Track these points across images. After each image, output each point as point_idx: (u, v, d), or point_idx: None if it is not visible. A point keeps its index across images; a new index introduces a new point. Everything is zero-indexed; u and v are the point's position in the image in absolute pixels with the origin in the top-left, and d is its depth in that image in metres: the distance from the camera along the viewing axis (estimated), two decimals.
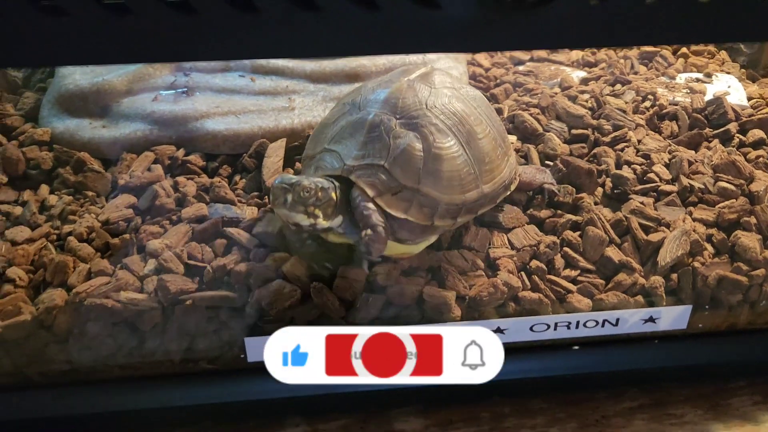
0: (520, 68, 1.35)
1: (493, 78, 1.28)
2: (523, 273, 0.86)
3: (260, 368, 0.81)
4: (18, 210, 0.97)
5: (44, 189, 1.00)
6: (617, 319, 0.84)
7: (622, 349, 0.87)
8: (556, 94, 1.21)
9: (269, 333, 0.80)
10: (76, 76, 1.11)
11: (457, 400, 0.87)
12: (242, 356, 0.81)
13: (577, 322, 0.83)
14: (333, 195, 0.79)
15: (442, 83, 0.89)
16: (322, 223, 0.79)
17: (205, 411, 0.83)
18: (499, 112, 1.15)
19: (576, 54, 1.40)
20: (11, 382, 0.81)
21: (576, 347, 0.86)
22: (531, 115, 1.13)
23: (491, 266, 0.87)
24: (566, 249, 0.89)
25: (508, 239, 0.90)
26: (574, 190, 0.97)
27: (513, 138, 1.09)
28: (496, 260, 0.87)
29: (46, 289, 0.83)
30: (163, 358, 0.81)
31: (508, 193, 0.91)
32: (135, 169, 1.00)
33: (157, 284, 0.80)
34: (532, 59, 1.40)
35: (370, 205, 0.79)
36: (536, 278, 0.85)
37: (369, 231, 0.78)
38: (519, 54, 1.40)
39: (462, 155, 0.83)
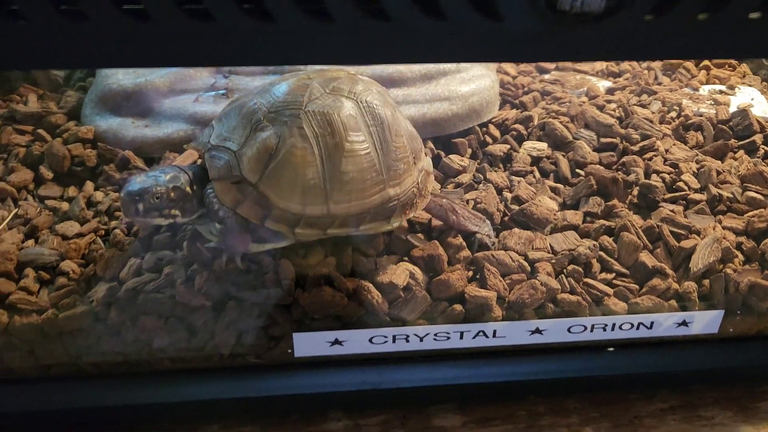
0: (546, 77, 1.38)
1: (520, 86, 1.31)
2: (562, 276, 0.88)
3: (306, 363, 0.84)
4: (65, 205, 0.99)
5: (89, 185, 1.02)
6: (652, 323, 0.86)
7: (655, 351, 0.89)
8: (583, 103, 1.24)
9: (317, 329, 0.83)
10: (119, 76, 1.14)
11: (494, 398, 0.89)
12: (289, 351, 0.83)
13: (614, 325, 0.86)
14: (187, 189, 0.80)
15: (351, 92, 0.84)
16: (181, 220, 0.82)
17: (250, 404, 0.85)
18: (529, 119, 1.18)
19: (600, 64, 1.43)
20: (65, 372, 0.83)
21: (611, 349, 0.89)
22: (561, 123, 1.16)
23: (531, 268, 0.89)
24: (601, 253, 0.92)
25: (549, 243, 0.92)
26: (602, 201, 1.00)
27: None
28: (535, 262, 0.90)
29: (98, 283, 0.86)
30: (212, 352, 0.83)
31: (389, 227, 0.87)
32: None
33: (208, 280, 0.82)
34: (557, 68, 1.43)
35: (215, 195, 0.79)
36: (573, 281, 0.88)
37: (218, 225, 0.79)
38: (544, 63, 1.43)
39: (314, 167, 0.79)
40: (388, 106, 0.87)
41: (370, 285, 0.83)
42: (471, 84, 1.16)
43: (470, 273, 0.89)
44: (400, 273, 0.85)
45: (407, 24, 0.58)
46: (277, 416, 0.86)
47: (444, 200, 0.93)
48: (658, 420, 0.88)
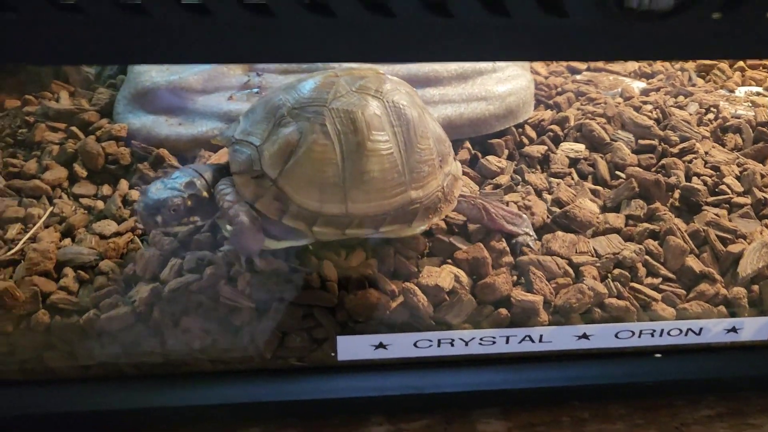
0: (578, 77, 1.37)
1: (553, 86, 1.30)
2: (608, 280, 0.87)
3: (349, 366, 0.83)
4: (99, 204, 0.98)
5: (123, 184, 1.01)
6: (701, 329, 0.85)
7: (702, 357, 0.87)
8: (619, 104, 1.22)
9: (360, 332, 0.81)
10: (153, 74, 1.13)
11: (538, 403, 0.88)
12: (332, 354, 0.82)
13: (662, 330, 0.84)
14: (204, 194, 0.80)
15: (377, 91, 0.83)
16: (202, 222, 0.82)
17: (291, 407, 0.84)
18: (565, 120, 1.17)
19: (632, 65, 1.42)
20: (105, 373, 0.82)
21: (658, 354, 0.87)
22: (598, 124, 1.14)
23: (576, 272, 0.88)
24: (647, 257, 0.90)
25: (593, 246, 0.91)
26: (644, 204, 0.99)
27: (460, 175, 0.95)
28: (579, 266, 0.88)
29: (138, 283, 0.85)
30: (253, 354, 0.82)
31: (412, 231, 0.86)
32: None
33: (252, 282, 0.81)
34: (588, 68, 1.41)
35: (228, 195, 0.78)
36: (620, 285, 0.86)
37: (229, 227, 0.78)
38: (576, 63, 1.41)
39: (334, 164, 0.78)
40: (416, 107, 0.85)
41: (416, 288, 0.82)
42: (507, 84, 1.15)
43: (514, 277, 0.87)
44: (445, 276, 0.83)
45: (469, 20, 0.57)
46: (318, 420, 0.85)
47: (477, 200, 0.92)
48: (705, 427, 0.86)
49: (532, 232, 0.92)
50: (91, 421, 0.81)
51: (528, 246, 0.90)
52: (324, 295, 0.81)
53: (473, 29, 0.58)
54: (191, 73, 1.12)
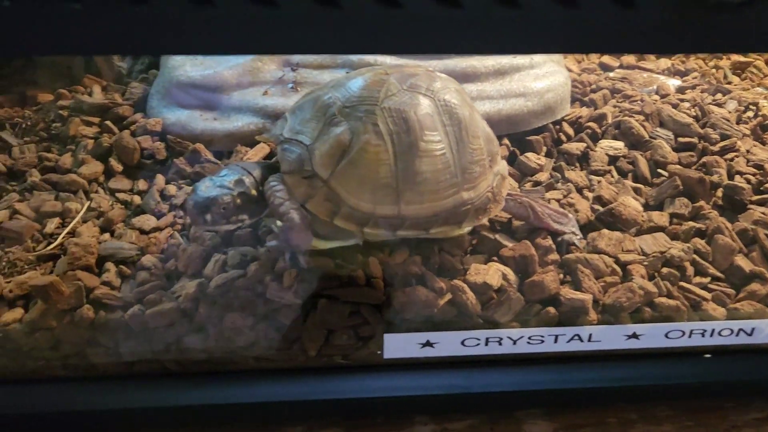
0: (611, 74, 1.35)
1: (587, 83, 1.28)
2: (658, 279, 0.85)
3: (394, 365, 0.82)
4: (136, 198, 0.97)
5: (160, 179, 1.00)
6: (753, 329, 0.83)
7: (752, 358, 0.86)
8: (655, 101, 1.21)
9: (407, 330, 0.80)
10: (187, 68, 1.12)
11: (584, 404, 0.86)
12: (378, 352, 0.81)
13: (713, 331, 0.82)
14: (253, 192, 0.78)
15: (428, 90, 0.81)
16: (250, 221, 0.80)
17: (335, 406, 0.83)
18: (603, 117, 1.15)
19: (665, 62, 1.40)
20: (149, 369, 0.81)
21: (707, 355, 0.85)
22: (636, 122, 1.12)
23: (623, 271, 0.86)
24: (695, 256, 0.88)
25: (639, 245, 0.89)
26: (689, 202, 0.97)
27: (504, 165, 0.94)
28: (627, 265, 0.87)
29: (180, 279, 0.84)
30: (298, 352, 0.81)
31: (460, 231, 0.85)
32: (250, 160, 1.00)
33: (298, 278, 0.80)
34: (621, 66, 1.40)
35: (279, 192, 0.77)
36: (669, 284, 0.85)
37: (279, 223, 0.77)
38: (607, 60, 1.40)
39: (387, 165, 0.77)
40: (466, 106, 0.84)
41: (465, 285, 0.80)
42: (545, 80, 1.13)
43: (561, 275, 0.86)
44: (492, 273, 0.82)
45: (539, 12, 0.56)
46: (362, 419, 0.84)
47: (524, 198, 0.90)
48: (755, 430, 0.84)
49: (578, 231, 0.90)
50: (135, 418, 0.80)
51: (574, 244, 0.88)
52: (371, 292, 0.80)
53: (544, 21, 0.56)
54: (226, 68, 1.11)
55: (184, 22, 0.53)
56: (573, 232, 0.90)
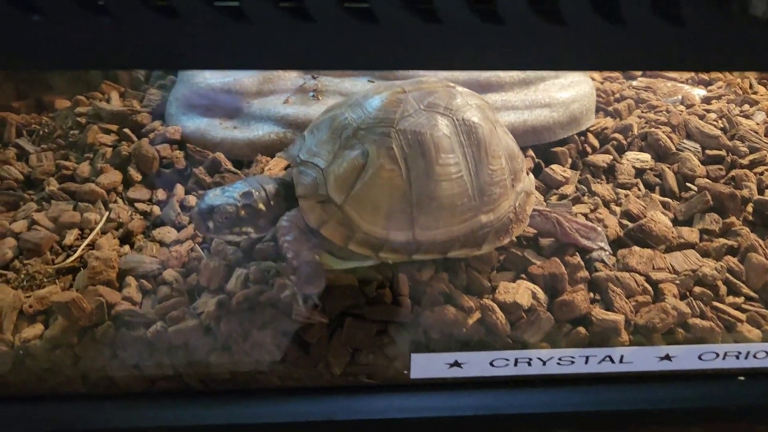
0: (634, 83, 1.33)
1: (610, 92, 1.26)
2: (690, 299, 0.83)
3: (419, 385, 0.80)
4: (155, 209, 0.96)
5: (180, 189, 0.98)
6: None
7: None
8: (681, 112, 1.19)
9: (434, 350, 0.78)
10: (207, 75, 1.10)
11: (614, 426, 0.84)
12: (405, 372, 0.79)
13: (748, 353, 0.80)
14: (260, 206, 0.77)
15: (447, 108, 0.78)
16: (255, 235, 0.78)
17: (360, 426, 0.81)
18: (628, 129, 1.13)
19: (688, 72, 1.37)
20: (170, 387, 0.79)
21: (741, 378, 0.83)
22: (663, 133, 1.10)
23: (654, 290, 0.84)
24: (727, 275, 0.86)
25: (670, 262, 0.87)
26: (719, 218, 0.95)
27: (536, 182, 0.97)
28: (658, 283, 0.85)
29: (202, 294, 0.82)
30: (323, 370, 0.79)
31: (479, 252, 0.81)
32: (271, 172, 0.99)
33: (323, 296, 0.78)
34: (644, 74, 1.37)
35: (289, 241, 0.76)
36: (702, 305, 0.83)
37: (293, 277, 0.76)
38: (635, 70, 1.37)
39: (401, 190, 0.75)
40: (487, 122, 0.81)
41: (494, 305, 0.79)
42: (570, 90, 1.11)
43: (591, 294, 0.84)
44: (522, 292, 0.80)
45: (584, 29, 0.54)
46: None
47: (552, 213, 0.88)
48: None
49: (607, 247, 0.88)
50: None
51: (603, 261, 0.86)
52: (400, 310, 0.78)
53: (586, 37, 0.54)
54: (246, 75, 1.09)
55: (212, 36, 0.52)
56: (602, 248, 0.88)
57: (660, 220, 0.93)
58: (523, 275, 0.85)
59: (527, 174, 0.89)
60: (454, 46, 0.54)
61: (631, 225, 0.93)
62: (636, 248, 0.89)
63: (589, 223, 0.90)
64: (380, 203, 0.75)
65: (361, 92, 0.84)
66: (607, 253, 0.88)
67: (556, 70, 1.10)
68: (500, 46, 0.54)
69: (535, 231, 0.90)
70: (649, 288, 0.84)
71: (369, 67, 0.83)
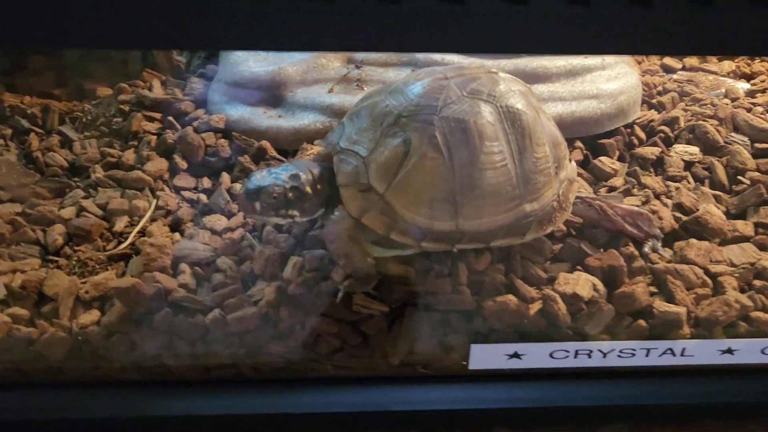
0: (675, 76, 1.31)
1: (652, 85, 1.24)
2: (752, 292, 0.82)
3: (477, 376, 0.79)
4: (202, 197, 0.95)
5: (225, 177, 0.97)
6: None
7: None
8: (727, 105, 1.17)
9: (493, 340, 0.77)
10: (250, 63, 1.09)
11: (673, 420, 0.83)
12: (463, 363, 0.78)
13: None
14: (307, 189, 0.75)
15: (490, 95, 0.77)
16: (300, 220, 0.77)
17: (415, 417, 0.80)
18: (675, 121, 1.11)
19: (728, 64, 1.36)
20: (225, 375, 0.78)
21: None
22: (711, 126, 1.09)
23: (714, 283, 0.83)
24: None
25: (727, 255, 0.86)
26: None
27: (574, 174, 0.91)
28: (717, 276, 0.83)
29: (256, 282, 0.81)
30: (379, 360, 0.78)
31: (522, 240, 0.80)
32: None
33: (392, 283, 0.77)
34: (683, 68, 1.36)
35: (337, 245, 0.76)
36: (764, 298, 0.82)
37: (347, 283, 0.76)
38: (669, 62, 1.36)
39: (445, 179, 0.73)
40: (531, 109, 0.80)
41: (557, 295, 0.77)
42: (618, 81, 1.10)
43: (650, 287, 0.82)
44: (583, 284, 0.79)
45: (609, 10, 0.52)
46: (443, 430, 0.81)
47: (596, 201, 0.87)
48: None
49: (659, 233, 0.86)
50: (210, 425, 0.78)
51: (657, 252, 0.85)
52: (463, 299, 0.77)
53: (611, 19, 0.53)
54: (290, 64, 1.08)
55: (248, 17, 0.51)
56: (655, 237, 0.86)
57: (715, 213, 0.92)
58: (579, 266, 0.84)
59: (570, 161, 0.88)
60: (477, 28, 0.52)
61: (685, 218, 0.91)
62: (694, 240, 0.87)
63: (636, 209, 0.88)
64: (423, 192, 0.74)
65: (402, 79, 0.83)
66: (660, 238, 0.86)
67: (579, 53, 1.09)
68: (522, 27, 0.53)
69: (581, 220, 0.89)
70: (709, 281, 0.83)
71: (391, 49, 0.82)
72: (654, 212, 0.91)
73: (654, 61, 1.36)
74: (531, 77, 1.08)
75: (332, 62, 1.11)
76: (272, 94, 1.07)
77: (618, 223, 0.86)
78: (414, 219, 0.74)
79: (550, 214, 0.81)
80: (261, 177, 0.76)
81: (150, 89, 1.12)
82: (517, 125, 0.77)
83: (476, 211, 0.75)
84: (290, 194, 0.75)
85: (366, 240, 0.78)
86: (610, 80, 1.10)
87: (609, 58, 1.13)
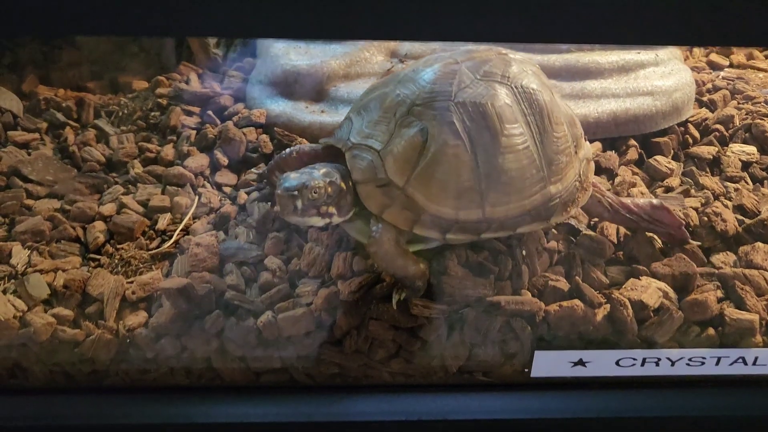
0: (722, 74, 1.27)
1: (700, 83, 1.20)
2: None
3: (539, 384, 0.76)
4: (242, 195, 0.91)
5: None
6: None
7: None
8: None
9: (557, 347, 0.74)
10: (291, 56, 1.06)
11: (739, 431, 0.79)
12: (525, 370, 0.75)
13: None
14: (342, 184, 0.72)
15: (504, 76, 0.74)
16: (337, 219, 0.73)
17: (473, 426, 0.76)
18: (730, 120, 1.07)
19: None
20: (277, 381, 0.75)
21: None
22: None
23: None
24: None
25: None
26: None
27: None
28: None
29: (301, 280, 0.78)
30: (437, 367, 0.75)
31: (547, 226, 0.78)
32: None
33: (448, 285, 0.74)
34: (731, 65, 1.31)
35: (384, 257, 0.71)
36: None
37: (401, 292, 0.73)
38: (716, 59, 1.32)
39: (468, 166, 0.70)
40: (546, 89, 0.76)
41: (626, 300, 0.74)
42: (672, 78, 1.06)
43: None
44: (651, 292, 0.75)
45: None
46: None
47: (605, 198, 0.83)
48: None
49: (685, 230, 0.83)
50: None
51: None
52: (529, 302, 0.73)
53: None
54: (332, 57, 1.05)
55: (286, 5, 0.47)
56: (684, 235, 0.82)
57: None
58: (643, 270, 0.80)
59: (586, 140, 0.83)
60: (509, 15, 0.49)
61: (748, 221, 0.87)
62: (760, 245, 0.84)
63: (653, 201, 0.84)
64: (447, 182, 0.70)
65: (409, 67, 0.79)
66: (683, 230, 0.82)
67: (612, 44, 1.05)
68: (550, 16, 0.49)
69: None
70: None
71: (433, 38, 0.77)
72: (717, 214, 0.88)
73: (700, 58, 1.32)
74: (582, 73, 1.05)
75: (375, 56, 1.07)
76: (315, 89, 1.03)
77: (625, 218, 0.82)
78: (438, 211, 0.71)
79: (574, 195, 0.77)
80: (297, 176, 0.72)
81: (187, 83, 1.09)
82: (535, 106, 0.74)
83: (503, 196, 0.72)
84: (330, 189, 0.71)
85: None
86: (664, 77, 1.06)
87: (662, 54, 1.10)
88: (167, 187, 0.91)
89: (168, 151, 0.97)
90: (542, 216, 0.75)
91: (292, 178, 0.71)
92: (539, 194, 0.74)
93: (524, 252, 0.79)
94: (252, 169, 0.93)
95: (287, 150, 0.86)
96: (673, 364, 0.75)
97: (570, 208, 0.77)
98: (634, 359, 0.74)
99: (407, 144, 0.70)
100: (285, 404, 0.74)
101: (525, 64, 0.78)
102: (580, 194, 0.78)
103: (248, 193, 0.90)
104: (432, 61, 0.77)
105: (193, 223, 0.85)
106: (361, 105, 0.78)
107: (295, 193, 0.70)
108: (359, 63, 1.06)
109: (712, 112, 1.11)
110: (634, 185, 0.93)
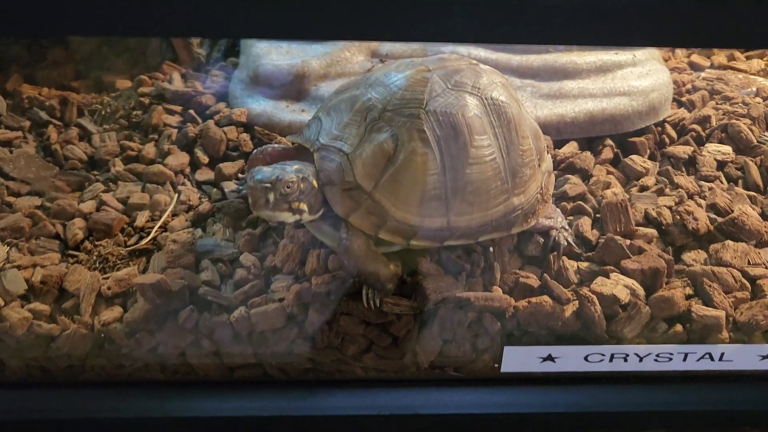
0: (703, 74, 1.28)
1: (680, 83, 1.21)
2: None
3: (509, 379, 0.77)
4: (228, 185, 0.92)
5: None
6: None
7: None
8: (759, 103, 1.14)
9: (526, 343, 0.75)
10: (273, 56, 1.07)
11: (707, 426, 0.81)
12: (495, 366, 0.76)
13: None
14: (314, 182, 0.72)
15: (474, 87, 0.75)
16: (307, 217, 0.73)
17: (445, 421, 0.78)
18: (707, 120, 1.09)
19: (758, 62, 1.33)
20: (249, 376, 0.76)
21: None
22: (744, 125, 1.06)
23: (752, 286, 0.80)
24: None
25: (766, 258, 0.83)
26: None
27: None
28: (756, 279, 0.81)
29: (275, 277, 0.78)
30: (409, 362, 0.76)
31: (507, 234, 0.78)
32: None
33: (419, 282, 0.75)
34: (712, 66, 1.33)
35: (353, 261, 0.72)
36: None
37: (370, 292, 0.73)
38: (697, 59, 1.33)
39: (435, 175, 0.71)
40: (514, 102, 0.77)
41: (594, 296, 0.75)
42: (649, 78, 1.07)
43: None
44: (620, 288, 0.76)
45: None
46: None
47: None
48: None
49: (567, 225, 0.83)
50: (234, 426, 0.76)
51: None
52: (499, 298, 0.74)
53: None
54: (313, 57, 1.06)
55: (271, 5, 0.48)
56: (563, 227, 0.83)
57: (751, 214, 0.89)
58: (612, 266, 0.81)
59: (548, 153, 0.85)
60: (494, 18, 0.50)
61: (720, 219, 0.89)
62: (730, 243, 0.85)
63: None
64: (413, 189, 0.71)
65: (380, 70, 0.80)
66: (569, 233, 0.83)
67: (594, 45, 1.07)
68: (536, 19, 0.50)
69: None
70: (747, 284, 0.80)
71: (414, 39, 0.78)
72: (689, 213, 0.89)
73: (681, 59, 1.33)
74: (560, 73, 1.06)
75: (356, 56, 1.08)
76: (295, 88, 1.04)
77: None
78: (404, 217, 0.72)
79: (535, 207, 0.79)
80: (270, 170, 0.72)
81: (170, 82, 1.10)
82: (503, 118, 0.75)
83: (467, 207, 0.73)
84: (302, 185, 0.71)
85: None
86: (641, 77, 1.07)
87: (640, 54, 1.11)
88: (147, 184, 0.92)
89: (149, 150, 0.98)
90: (503, 227, 0.76)
91: (265, 171, 0.71)
92: (503, 205, 0.75)
93: (493, 249, 0.80)
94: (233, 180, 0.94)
95: (258, 149, 0.86)
96: (641, 359, 0.76)
97: (530, 219, 0.79)
98: (603, 355, 0.75)
99: (377, 149, 0.71)
100: (259, 399, 0.76)
101: (494, 75, 0.79)
102: (540, 206, 0.80)
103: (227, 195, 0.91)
104: (404, 67, 0.78)
105: (172, 220, 0.86)
106: (331, 105, 0.78)
107: (268, 185, 0.70)
108: (340, 62, 1.07)
109: (690, 112, 1.12)
110: (608, 185, 0.94)
